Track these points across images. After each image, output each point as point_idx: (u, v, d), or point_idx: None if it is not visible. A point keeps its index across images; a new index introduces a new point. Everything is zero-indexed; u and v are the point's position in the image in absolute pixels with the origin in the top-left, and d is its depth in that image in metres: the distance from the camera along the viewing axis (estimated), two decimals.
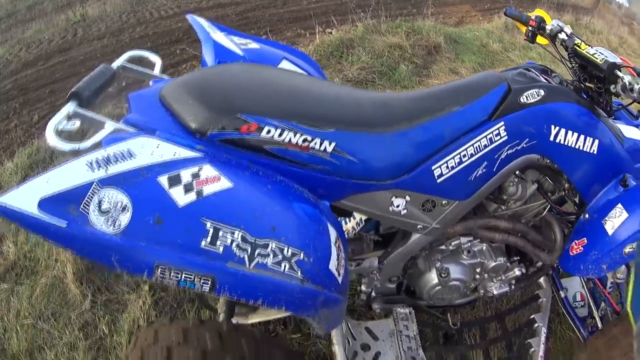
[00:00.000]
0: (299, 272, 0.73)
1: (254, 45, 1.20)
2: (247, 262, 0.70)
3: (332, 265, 0.79)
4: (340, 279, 0.80)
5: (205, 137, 0.82)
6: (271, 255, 0.72)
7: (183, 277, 0.68)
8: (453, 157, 0.98)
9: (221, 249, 0.69)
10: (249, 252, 0.71)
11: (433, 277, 1.18)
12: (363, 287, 1.22)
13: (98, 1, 8.63)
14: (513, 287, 1.27)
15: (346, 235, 1.06)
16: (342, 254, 0.85)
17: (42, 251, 2.25)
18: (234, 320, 1.20)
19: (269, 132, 0.84)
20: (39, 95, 4.40)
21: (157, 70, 1.10)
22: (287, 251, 0.73)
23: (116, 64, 1.03)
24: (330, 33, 3.67)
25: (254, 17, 5.39)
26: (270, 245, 0.72)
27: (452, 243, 1.18)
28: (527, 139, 1.04)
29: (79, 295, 1.99)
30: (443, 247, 1.19)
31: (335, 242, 0.83)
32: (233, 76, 0.98)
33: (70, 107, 0.84)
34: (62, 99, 3.99)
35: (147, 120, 0.84)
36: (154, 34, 5.41)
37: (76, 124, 0.82)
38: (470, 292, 1.28)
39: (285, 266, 0.72)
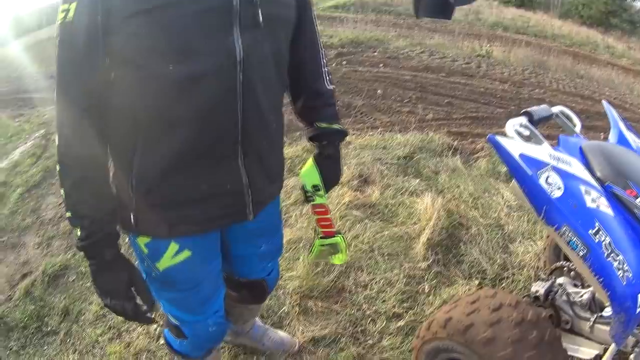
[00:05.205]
0: (625, 281, 1.10)
1: None
2: (605, 254, 1.11)
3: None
4: (638, 309, 1.11)
5: (603, 184, 1.28)
6: (617, 262, 1.11)
7: (574, 240, 1.12)
8: None
9: (597, 240, 1.12)
10: (609, 251, 1.11)
11: None
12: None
13: (503, 47, 9.34)
14: None
15: None
16: None
17: (404, 210, 2.81)
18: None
19: None
20: (437, 100, 5.18)
21: (577, 129, 1.60)
22: (626, 266, 1.12)
23: (554, 109, 1.54)
24: None
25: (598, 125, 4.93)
26: (620, 256, 1.12)
27: None
28: None
29: (421, 255, 2.38)
30: None
31: None
32: (631, 156, 1.47)
33: (524, 119, 1.34)
34: (458, 112, 4.69)
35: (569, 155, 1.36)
36: (549, 102, 5.58)
37: (527, 132, 1.29)
38: None
39: (621, 272, 1.11)
